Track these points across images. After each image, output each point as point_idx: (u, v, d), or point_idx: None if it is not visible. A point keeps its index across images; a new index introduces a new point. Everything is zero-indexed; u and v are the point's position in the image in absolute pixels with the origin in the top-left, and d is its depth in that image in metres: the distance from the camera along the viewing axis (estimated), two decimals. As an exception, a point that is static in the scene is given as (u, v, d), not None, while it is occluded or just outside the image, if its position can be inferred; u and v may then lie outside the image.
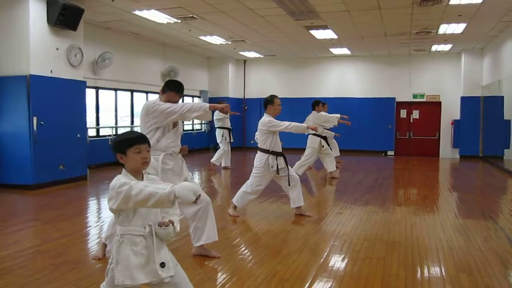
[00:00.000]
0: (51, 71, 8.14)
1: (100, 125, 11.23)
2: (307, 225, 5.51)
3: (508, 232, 5.27)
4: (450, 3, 8.31)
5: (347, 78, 15.76)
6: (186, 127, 14.96)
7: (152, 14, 9.40)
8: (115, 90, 11.62)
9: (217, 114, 10.54)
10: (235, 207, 5.94)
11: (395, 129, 15.30)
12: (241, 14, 9.41)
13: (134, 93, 12.34)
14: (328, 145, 9.40)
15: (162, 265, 2.32)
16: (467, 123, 14.02)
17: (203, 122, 15.73)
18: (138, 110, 11.24)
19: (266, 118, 5.69)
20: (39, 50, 7.89)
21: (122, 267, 2.25)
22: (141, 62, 12.38)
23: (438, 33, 11.12)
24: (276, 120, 5.66)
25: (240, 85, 17.05)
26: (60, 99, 8.33)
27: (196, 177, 9.95)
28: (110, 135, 11.34)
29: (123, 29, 11.15)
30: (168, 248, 2.43)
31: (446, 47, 13.34)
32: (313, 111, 9.40)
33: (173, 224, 2.34)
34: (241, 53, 15.05)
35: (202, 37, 12.11)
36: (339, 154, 11.16)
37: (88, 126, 9.69)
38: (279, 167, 5.69)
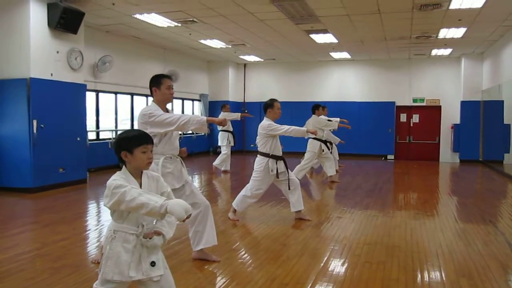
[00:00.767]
0: (52, 74, 8.15)
1: (100, 128, 11.23)
2: (307, 229, 5.51)
3: (508, 236, 5.26)
4: (450, 7, 8.33)
5: (347, 82, 15.78)
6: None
7: (152, 17, 9.42)
8: (115, 93, 11.64)
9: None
10: (235, 211, 5.93)
11: (395, 133, 15.31)
12: (241, 18, 9.43)
13: (134, 97, 12.36)
14: (329, 149, 9.39)
15: (153, 264, 2.35)
16: (467, 128, 14.03)
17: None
18: (138, 113, 11.25)
19: (265, 122, 5.69)
20: (40, 53, 7.90)
21: (112, 263, 2.27)
22: (141, 65, 12.39)
23: (438, 37, 11.14)
24: (276, 124, 5.66)
25: (240, 89, 17.07)
26: (60, 102, 8.33)
27: (196, 181, 9.94)
28: (110, 139, 11.34)
29: (124, 33, 11.17)
30: (160, 249, 2.45)
31: (446, 51, 13.37)
32: (313, 115, 9.39)
33: (159, 234, 2.34)
34: (241, 56, 15.07)
35: (202, 41, 12.13)
36: (338, 159, 11.14)
37: (88, 129, 9.69)
38: (279, 171, 5.68)
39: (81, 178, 8.83)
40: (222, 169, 10.97)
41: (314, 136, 7.10)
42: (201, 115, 13.91)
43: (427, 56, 14.40)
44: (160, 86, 3.92)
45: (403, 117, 15.38)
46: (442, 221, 6.03)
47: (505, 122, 11.09)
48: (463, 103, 14.13)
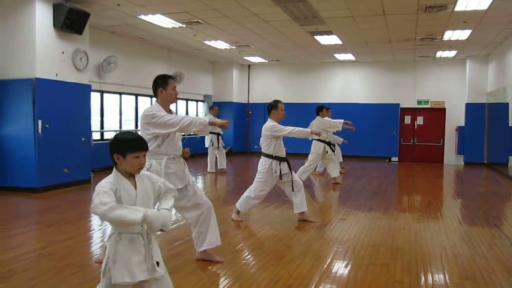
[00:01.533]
0: (57, 75, 8.18)
1: (105, 129, 11.26)
2: (311, 231, 5.50)
3: (512, 239, 5.24)
4: (456, 9, 8.31)
5: (351, 83, 15.76)
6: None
7: (157, 18, 9.44)
8: (120, 94, 11.67)
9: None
10: (238, 212, 5.94)
11: (399, 135, 15.28)
12: (246, 19, 9.44)
13: (139, 97, 12.39)
14: (333, 151, 9.38)
15: (157, 263, 2.36)
16: (472, 130, 13.98)
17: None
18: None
19: (269, 123, 5.70)
20: (45, 53, 7.94)
21: (121, 265, 2.26)
22: (146, 66, 12.42)
23: (443, 39, 11.12)
24: (279, 125, 5.66)
25: (244, 90, 17.07)
26: (65, 103, 8.37)
27: (200, 182, 9.95)
28: (114, 139, 11.36)
29: (129, 34, 11.20)
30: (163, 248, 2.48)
31: (451, 53, 13.33)
32: (317, 117, 9.39)
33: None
34: (246, 58, 15.09)
35: (206, 42, 12.15)
36: (341, 160, 11.12)
37: (92, 129, 9.72)
38: (282, 172, 5.68)
39: (85, 178, 8.87)
40: (218, 167, 11.13)
41: (318, 137, 7.12)
42: (205, 116, 13.93)
43: (431, 58, 14.36)
44: (166, 87, 3.92)
45: (408, 119, 15.35)
46: (446, 223, 6.01)
47: (510, 124, 11.04)
48: (468, 105, 14.08)
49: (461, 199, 8.13)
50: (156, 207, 2.50)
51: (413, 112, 15.25)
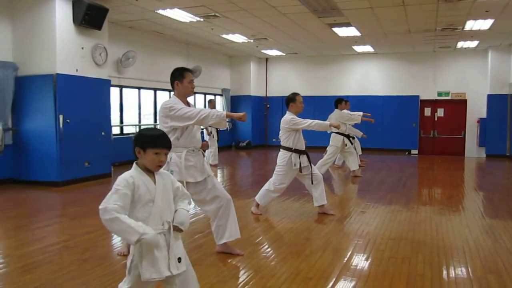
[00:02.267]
0: (77, 70, 8.28)
1: (124, 123, 11.37)
2: (330, 224, 5.48)
3: (537, 233, 5.13)
4: (477, -2, 8.15)
5: (370, 75, 15.60)
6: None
7: (175, 13, 9.47)
8: (139, 88, 11.76)
9: None
10: (258, 205, 5.94)
11: (419, 127, 15.09)
12: (263, 12, 9.40)
13: (157, 92, 12.47)
14: (352, 144, 9.32)
15: (179, 260, 2.37)
16: (494, 122, 13.73)
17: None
18: (161, 108, 11.34)
19: (288, 116, 5.68)
20: (65, 49, 8.03)
21: (148, 262, 2.28)
22: (164, 60, 12.48)
23: (465, 29, 10.90)
24: (298, 118, 5.64)
25: (262, 83, 17.05)
26: (85, 98, 8.47)
27: (219, 175, 9.99)
28: (133, 133, 11.46)
29: (147, 28, 11.26)
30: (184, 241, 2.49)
31: (473, 43, 13.07)
32: (335, 109, 9.33)
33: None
34: (263, 51, 15.04)
35: (224, 36, 12.15)
36: (360, 153, 11.04)
37: (112, 124, 9.82)
38: (302, 165, 5.66)
39: (106, 172, 8.98)
40: (210, 163, 11.03)
41: (337, 130, 7.06)
42: (223, 110, 13.95)
43: (452, 49, 14.11)
44: (182, 80, 3.93)
45: (428, 111, 15.14)
46: (468, 216, 5.93)
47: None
48: (490, 97, 13.82)
49: (483, 192, 8.00)
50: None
51: (434, 104, 15.03)
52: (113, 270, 3.80)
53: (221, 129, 12.38)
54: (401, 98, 15.07)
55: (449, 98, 14.76)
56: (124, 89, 11.22)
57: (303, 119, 5.62)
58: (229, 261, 4.06)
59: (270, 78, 17.05)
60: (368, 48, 14.16)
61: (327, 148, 9.17)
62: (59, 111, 7.91)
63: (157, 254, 2.28)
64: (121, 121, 11.26)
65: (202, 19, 10.05)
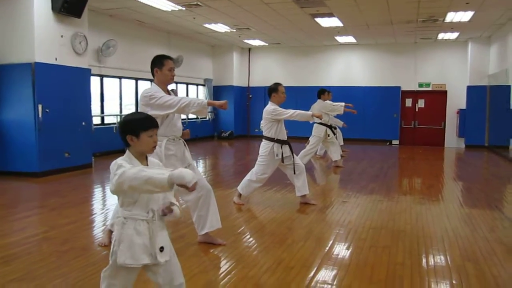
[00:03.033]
0: (56, 59, 8.12)
1: (105, 113, 11.23)
2: (312, 214, 5.51)
3: (514, 221, 5.25)
4: (458, -10, 8.21)
5: (352, 66, 15.67)
6: (190, 115, 14.94)
7: (156, 1, 9.34)
8: (120, 78, 11.61)
9: None
10: (240, 195, 5.95)
11: (400, 118, 15.24)
12: (246, 2, 9.33)
13: (139, 81, 12.33)
14: (334, 134, 9.37)
15: (161, 249, 2.33)
16: (473, 113, 13.94)
17: (208, 110, 15.70)
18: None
19: (270, 107, 5.67)
20: (44, 37, 7.87)
21: (125, 246, 2.25)
22: (145, 50, 12.31)
23: (445, 21, 11.01)
24: (280, 108, 5.64)
25: (245, 73, 16.99)
26: (65, 87, 8.32)
27: (200, 165, 9.96)
28: (114, 123, 11.33)
29: (128, 17, 11.09)
30: (168, 234, 2.43)
31: (453, 35, 13.21)
32: (318, 100, 9.36)
33: (173, 205, 2.32)
34: (246, 41, 14.97)
35: (206, 25, 12.04)
36: (342, 143, 11.11)
37: (93, 114, 9.69)
38: (284, 155, 5.68)
39: (86, 162, 8.86)
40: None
41: (319, 120, 7.09)
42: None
43: (433, 40, 14.25)
44: (162, 67, 3.89)
45: (409, 102, 15.29)
46: (448, 206, 6.03)
47: (512, 107, 11.00)
48: (469, 88, 14.02)
49: (462, 182, 8.14)
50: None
51: (414, 95, 15.19)
52: (93, 261, 3.77)
53: (201, 117, 12.31)
54: (383, 89, 15.18)
55: (429, 89, 14.92)
56: (104, 79, 11.05)
57: (285, 110, 5.62)
58: (211, 251, 4.06)
59: (252, 68, 16.99)
60: (350, 39, 14.19)
61: (310, 138, 9.20)
62: (38, 101, 7.76)
63: (136, 239, 2.25)
64: (102, 111, 11.11)
65: (184, 8, 9.93)
